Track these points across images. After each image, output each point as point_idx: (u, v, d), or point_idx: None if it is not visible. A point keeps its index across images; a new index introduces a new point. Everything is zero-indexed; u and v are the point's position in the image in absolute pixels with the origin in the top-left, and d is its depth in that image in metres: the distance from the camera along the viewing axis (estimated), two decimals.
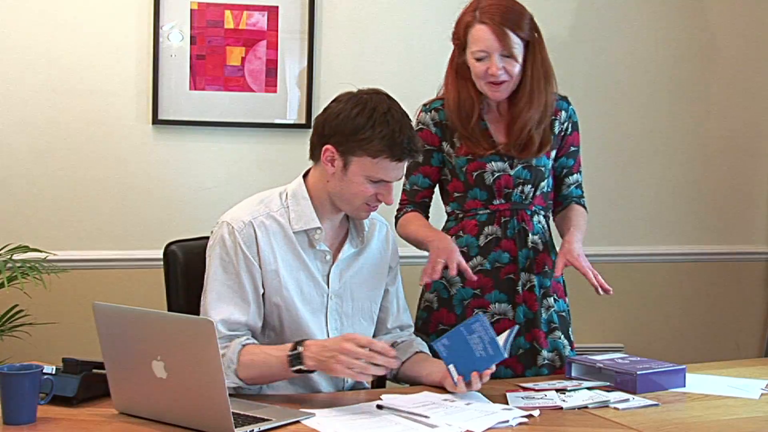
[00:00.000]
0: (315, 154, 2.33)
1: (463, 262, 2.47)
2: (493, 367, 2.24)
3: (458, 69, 2.64)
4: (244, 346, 2.21)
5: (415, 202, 2.71)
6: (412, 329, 2.58)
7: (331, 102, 2.32)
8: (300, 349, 2.13)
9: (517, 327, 2.43)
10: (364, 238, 2.42)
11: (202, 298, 2.31)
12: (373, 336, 2.47)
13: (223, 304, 2.25)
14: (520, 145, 2.62)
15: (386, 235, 2.50)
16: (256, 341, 2.26)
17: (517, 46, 2.54)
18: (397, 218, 2.72)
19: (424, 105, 2.73)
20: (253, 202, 2.36)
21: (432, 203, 2.76)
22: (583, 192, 2.80)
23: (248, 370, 2.19)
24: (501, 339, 2.25)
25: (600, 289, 2.51)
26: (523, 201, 2.66)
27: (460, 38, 2.59)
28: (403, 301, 2.56)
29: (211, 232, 2.35)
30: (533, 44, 2.59)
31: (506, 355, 2.23)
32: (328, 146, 2.27)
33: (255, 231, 2.29)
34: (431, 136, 2.69)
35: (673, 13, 4.05)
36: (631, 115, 4.04)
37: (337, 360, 2.06)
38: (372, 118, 2.22)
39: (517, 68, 2.56)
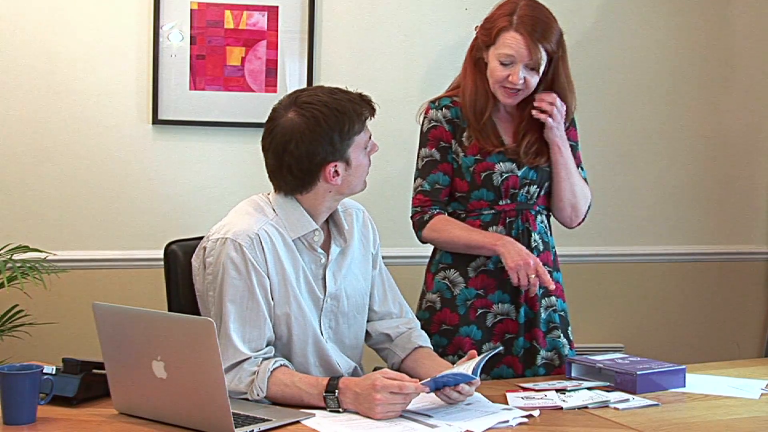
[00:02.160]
0: (308, 185, 2.29)
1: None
2: (478, 381, 2.19)
3: (476, 62, 2.64)
4: (272, 372, 2.19)
5: (440, 200, 2.66)
6: (408, 316, 2.52)
7: (280, 138, 2.25)
8: (336, 393, 2.13)
9: (501, 348, 2.48)
10: (345, 237, 2.40)
11: (216, 319, 2.25)
12: (366, 321, 2.47)
13: (244, 326, 2.23)
14: (531, 155, 2.62)
15: (363, 220, 2.48)
16: (283, 361, 2.24)
17: (543, 60, 2.55)
18: (421, 221, 2.64)
19: (432, 102, 2.70)
20: (247, 212, 2.32)
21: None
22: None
23: (277, 398, 2.19)
24: (470, 366, 2.19)
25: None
26: (527, 201, 2.66)
27: (491, 37, 2.57)
28: (390, 283, 2.52)
29: (204, 248, 2.29)
30: (556, 59, 2.59)
31: (475, 377, 2.16)
32: (329, 165, 2.26)
33: (262, 244, 2.26)
34: (445, 133, 2.66)
35: (671, 13, 4.05)
36: (631, 116, 4.04)
37: (374, 411, 2.07)
38: (338, 112, 2.25)
39: (535, 80, 2.57)
